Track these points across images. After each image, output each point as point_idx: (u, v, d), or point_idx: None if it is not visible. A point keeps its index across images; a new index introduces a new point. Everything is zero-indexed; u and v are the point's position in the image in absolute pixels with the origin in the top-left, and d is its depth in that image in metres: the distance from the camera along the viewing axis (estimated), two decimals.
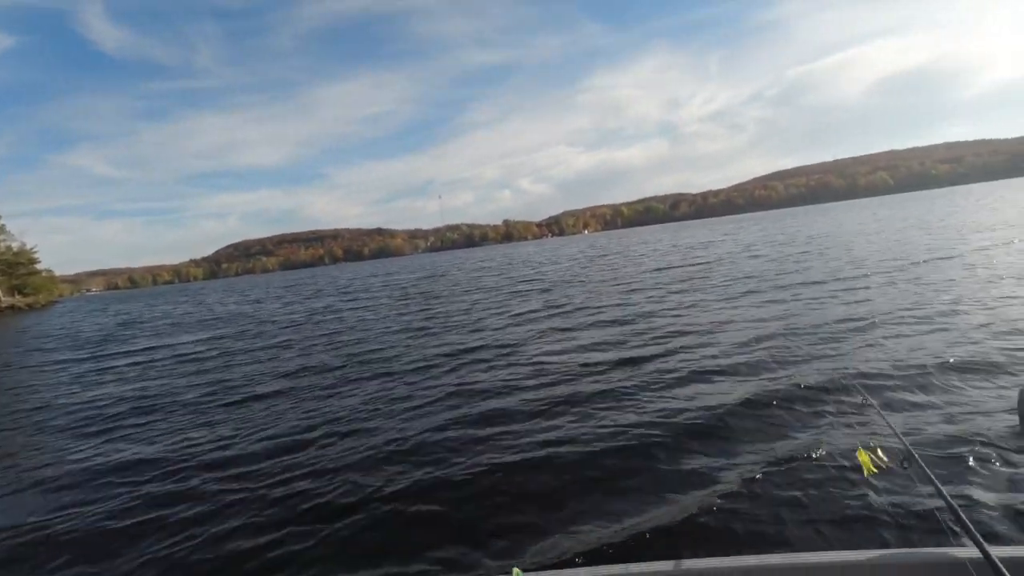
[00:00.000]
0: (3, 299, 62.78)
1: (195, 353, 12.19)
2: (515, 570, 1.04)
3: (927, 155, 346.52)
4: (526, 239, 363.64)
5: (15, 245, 73.00)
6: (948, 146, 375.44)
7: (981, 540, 1.13)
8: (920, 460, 1.52)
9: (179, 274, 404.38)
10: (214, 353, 11.94)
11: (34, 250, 78.77)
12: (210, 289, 79.95)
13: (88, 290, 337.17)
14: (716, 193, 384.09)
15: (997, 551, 1.04)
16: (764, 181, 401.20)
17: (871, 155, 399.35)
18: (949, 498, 1.33)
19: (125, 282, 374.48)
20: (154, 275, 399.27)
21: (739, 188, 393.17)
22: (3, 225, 74.30)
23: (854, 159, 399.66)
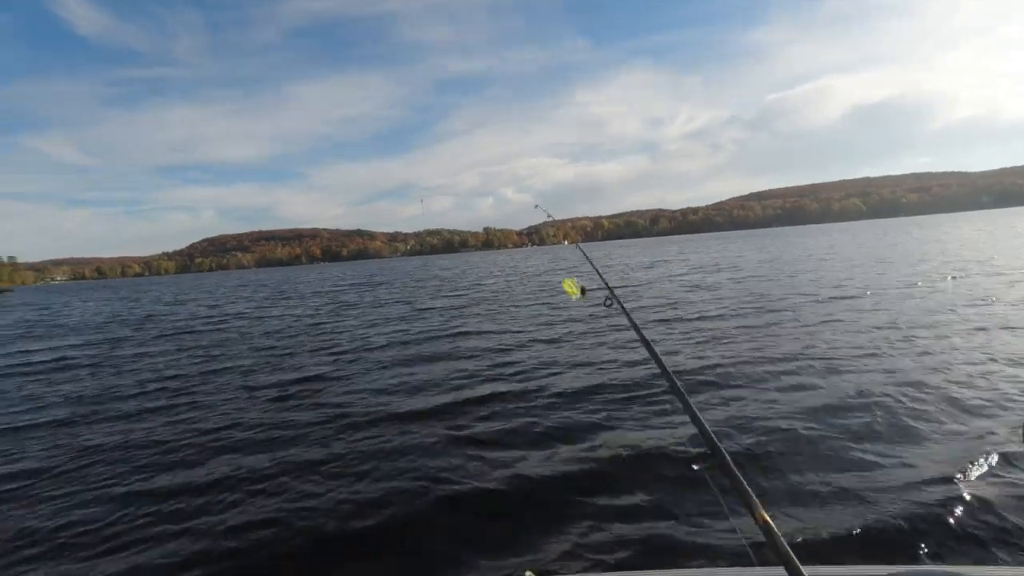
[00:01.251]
0: None
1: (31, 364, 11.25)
2: (527, 573, 0.97)
3: (898, 184, 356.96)
4: (506, 247, 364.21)
5: None
6: (917, 176, 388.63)
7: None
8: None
9: (150, 267, 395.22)
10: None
11: None
12: (164, 284, 78.08)
13: (52, 279, 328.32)
14: (695, 210, 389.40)
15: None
16: (741, 201, 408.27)
17: (845, 180, 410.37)
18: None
19: (92, 272, 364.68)
20: (123, 266, 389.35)
21: (718, 207, 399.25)
22: None
23: (829, 184, 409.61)
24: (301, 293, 28.94)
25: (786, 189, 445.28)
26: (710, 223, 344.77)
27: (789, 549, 0.94)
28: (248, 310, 20.46)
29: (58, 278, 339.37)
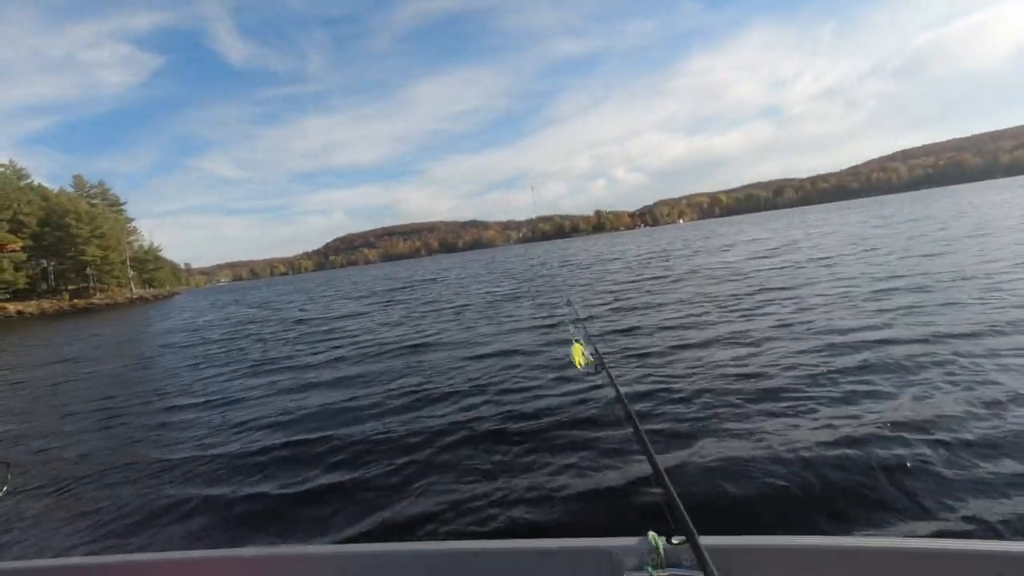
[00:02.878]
0: (135, 291, 72.21)
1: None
2: (651, 533, 1.05)
3: None
4: (618, 229, 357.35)
5: (145, 244, 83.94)
6: None
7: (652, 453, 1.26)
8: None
9: (292, 266, 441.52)
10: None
11: (159, 248, 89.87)
12: (297, 281, 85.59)
13: (218, 281, 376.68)
14: (826, 177, 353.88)
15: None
16: (884, 162, 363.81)
17: (1016, 127, 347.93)
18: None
19: (248, 273, 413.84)
20: (271, 267, 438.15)
21: (854, 171, 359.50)
22: (136, 227, 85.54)
23: (994, 134, 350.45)
24: (374, 290, 30.73)
25: (940, 144, 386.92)
26: (844, 190, 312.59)
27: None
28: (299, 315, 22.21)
29: (222, 280, 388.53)
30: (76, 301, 63.93)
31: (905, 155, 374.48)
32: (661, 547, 1.07)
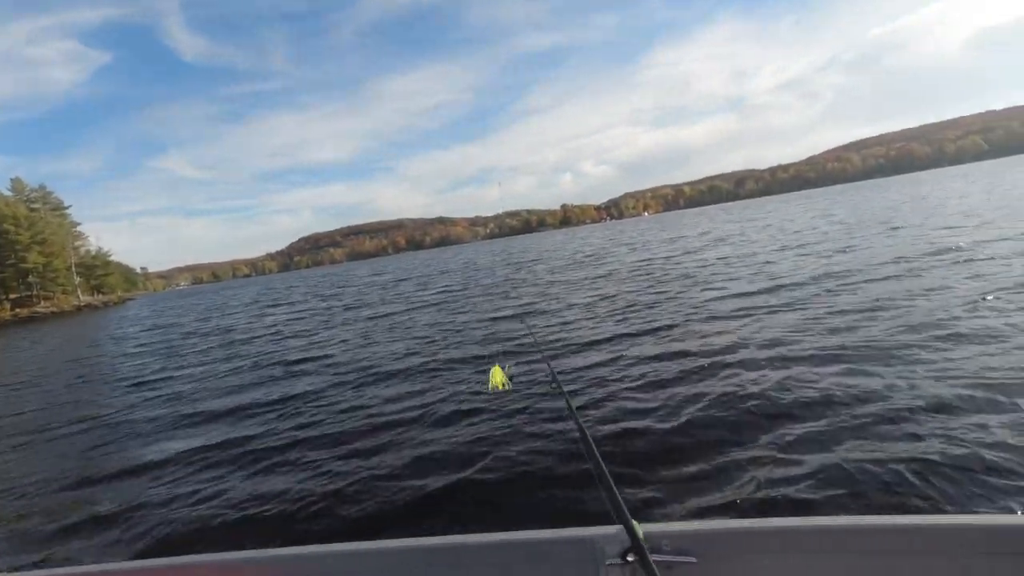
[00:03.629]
0: (82, 298, 69.77)
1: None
2: (632, 521, 1.09)
3: None
4: (584, 223, 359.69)
5: (93, 249, 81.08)
6: None
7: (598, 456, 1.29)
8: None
9: (256, 267, 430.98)
10: None
11: (109, 252, 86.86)
12: (251, 284, 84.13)
13: (177, 285, 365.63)
14: (785, 168, 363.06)
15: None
16: (840, 152, 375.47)
17: (962, 118, 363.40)
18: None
19: (209, 276, 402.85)
20: (234, 269, 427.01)
21: (811, 161, 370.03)
22: (82, 232, 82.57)
23: (942, 123, 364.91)
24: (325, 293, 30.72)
25: (892, 135, 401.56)
26: (802, 180, 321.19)
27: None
28: (235, 323, 22.22)
29: (182, 283, 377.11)
30: (18, 310, 61.53)
31: (859, 145, 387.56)
32: (641, 533, 1.08)
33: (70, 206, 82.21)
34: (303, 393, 6.81)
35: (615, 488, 1.14)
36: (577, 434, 1.49)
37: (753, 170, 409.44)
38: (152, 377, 9.88)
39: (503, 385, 2.49)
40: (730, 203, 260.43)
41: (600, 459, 1.28)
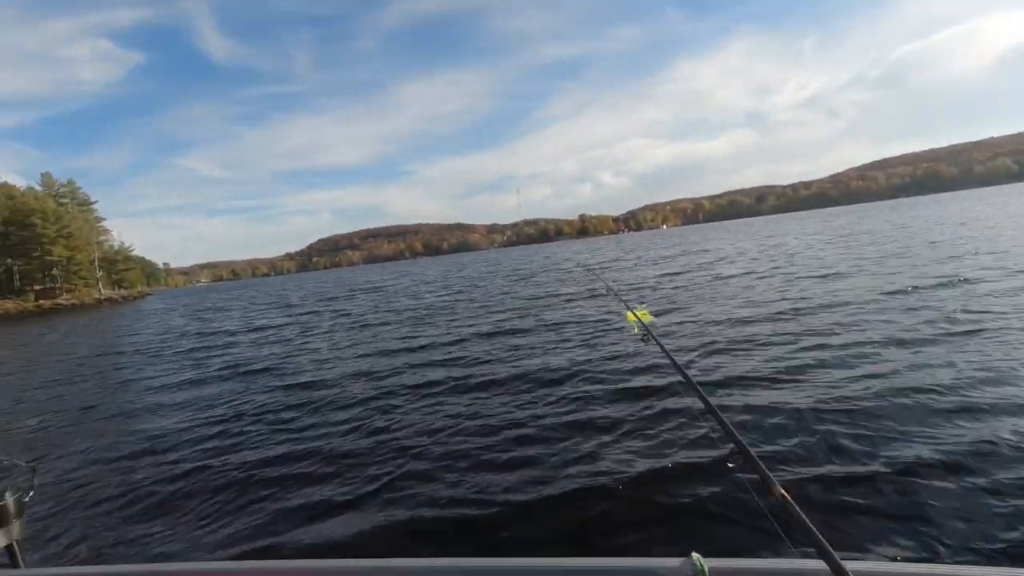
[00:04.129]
0: (103, 291, 71.20)
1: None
2: (694, 554, 1.01)
3: None
4: (602, 233, 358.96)
5: (115, 244, 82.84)
6: None
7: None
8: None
9: (275, 267, 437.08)
10: None
11: (130, 248, 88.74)
12: (268, 284, 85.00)
13: (198, 281, 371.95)
14: (808, 185, 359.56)
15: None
16: (864, 171, 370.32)
17: (992, 139, 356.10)
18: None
19: (229, 274, 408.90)
20: (253, 268, 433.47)
21: (834, 179, 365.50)
22: (106, 227, 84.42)
23: (971, 144, 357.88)
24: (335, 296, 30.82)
25: (918, 154, 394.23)
26: (824, 198, 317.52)
27: (805, 517, 0.97)
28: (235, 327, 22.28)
29: (202, 280, 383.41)
30: (42, 302, 62.91)
31: (883, 164, 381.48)
32: (706, 569, 1.01)
33: (96, 201, 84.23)
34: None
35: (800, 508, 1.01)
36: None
37: (773, 186, 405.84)
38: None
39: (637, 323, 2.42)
40: (749, 218, 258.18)
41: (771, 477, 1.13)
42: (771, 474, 1.11)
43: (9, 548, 1.57)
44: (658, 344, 2.17)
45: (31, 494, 1.66)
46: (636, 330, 2.46)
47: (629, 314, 2.59)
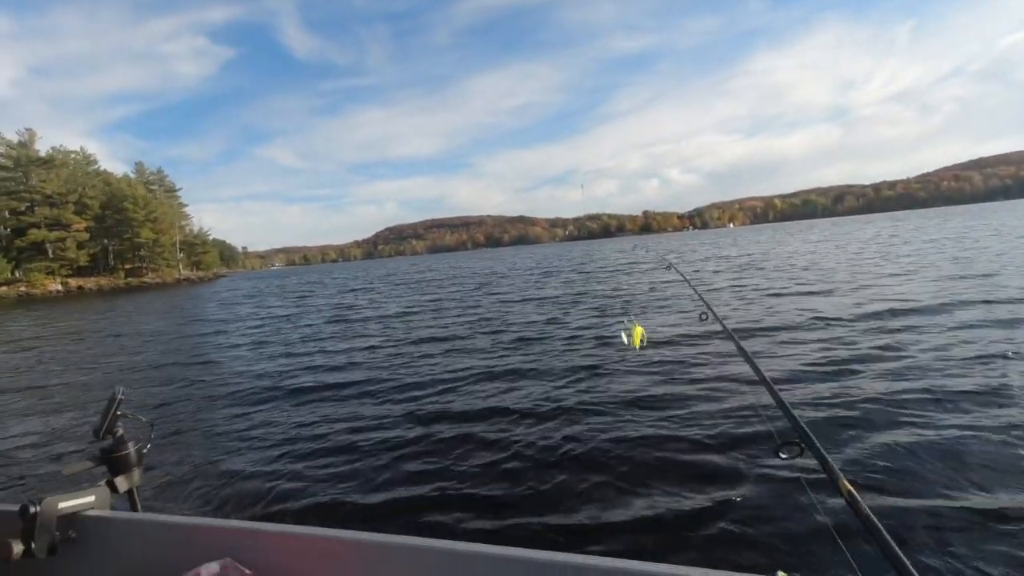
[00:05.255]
0: (183, 272, 77.52)
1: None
2: (780, 573, 0.94)
3: None
4: (666, 231, 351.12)
5: (195, 228, 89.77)
6: None
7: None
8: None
9: (343, 253, 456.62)
10: None
11: (208, 232, 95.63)
12: (335, 269, 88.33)
13: (272, 265, 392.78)
14: (892, 185, 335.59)
15: None
16: (958, 170, 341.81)
17: None
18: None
19: (301, 259, 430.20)
20: (323, 254, 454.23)
21: (923, 179, 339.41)
22: (188, 212, 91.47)
23: None
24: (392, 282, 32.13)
25: (1021, 153, 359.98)
26: (910, 199, 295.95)
27: (873, 516, 0.95)
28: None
29: (276, 264, 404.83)
30: (130, 279, 69.33)
31: (981, 163, 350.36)
32: None
33: (181, 188, 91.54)
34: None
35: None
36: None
37: (852, 185, 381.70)
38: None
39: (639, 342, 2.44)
40: (826, 219, 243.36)
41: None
42: (838, 469, 1.08)
43: (130, 493, 1.77)
44: (721, 325, 2.27)
45: (148, 447, 1.83)
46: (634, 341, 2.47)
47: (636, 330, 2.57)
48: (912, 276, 12.74)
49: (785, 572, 0.98)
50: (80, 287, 62.12)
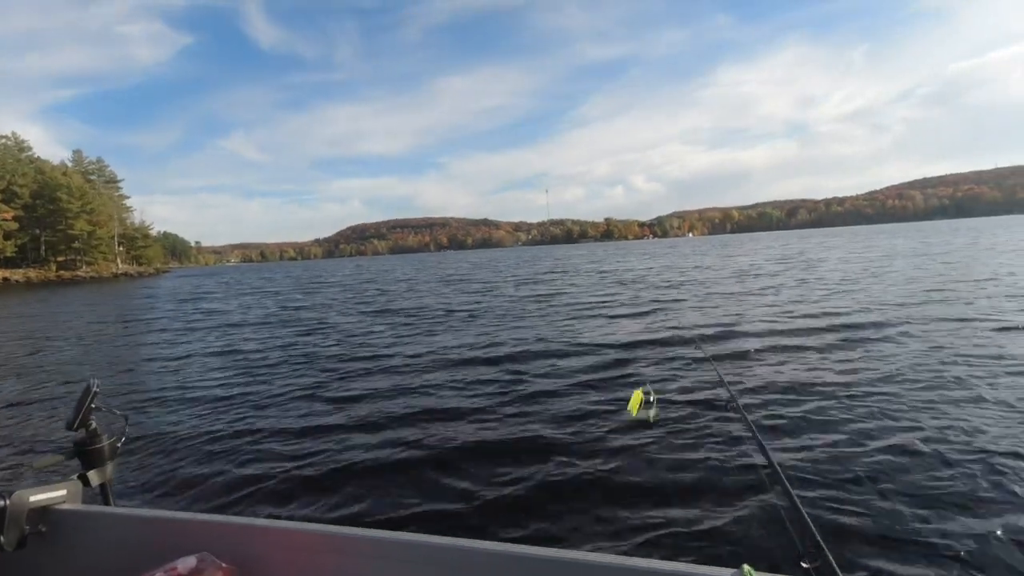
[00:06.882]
0: (120, 266, 74.40)
1: None
2: (745, 567, 0.97)
3: None
4: (626, 238, 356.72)
5: (136, 222, 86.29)
6: None
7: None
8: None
9: (302, 252, 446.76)
10: None
11: (150, 226, 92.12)
12: (282, 269, 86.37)
13: (228, 261, 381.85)
14: (841, 201, 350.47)
15: None
16: (903, 189, 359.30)
17: None
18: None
19: (258, 256, 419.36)
20: (281, 251, 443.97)
21: (870, 196, 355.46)
22: (129, 205, 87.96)
23: (1016, 168, 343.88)
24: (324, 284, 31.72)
25: (963, 175, 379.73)
26: (857, 215, 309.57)
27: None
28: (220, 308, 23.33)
29: (232, 260, 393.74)
30: (62, 272, 66.16)
31: (924, 183, 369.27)
32: None
33: (122, 180, 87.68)
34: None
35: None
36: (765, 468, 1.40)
37: (808, 200, 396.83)
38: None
39: (650, 416, 2.10)
40: (778, 231, 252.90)
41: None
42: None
43: (103, 487, 1.72)
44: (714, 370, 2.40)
45: (123, 440, 1.79)
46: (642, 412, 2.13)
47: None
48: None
49: (751, 565, 0.99)
50: (6, 278, 59.03)
